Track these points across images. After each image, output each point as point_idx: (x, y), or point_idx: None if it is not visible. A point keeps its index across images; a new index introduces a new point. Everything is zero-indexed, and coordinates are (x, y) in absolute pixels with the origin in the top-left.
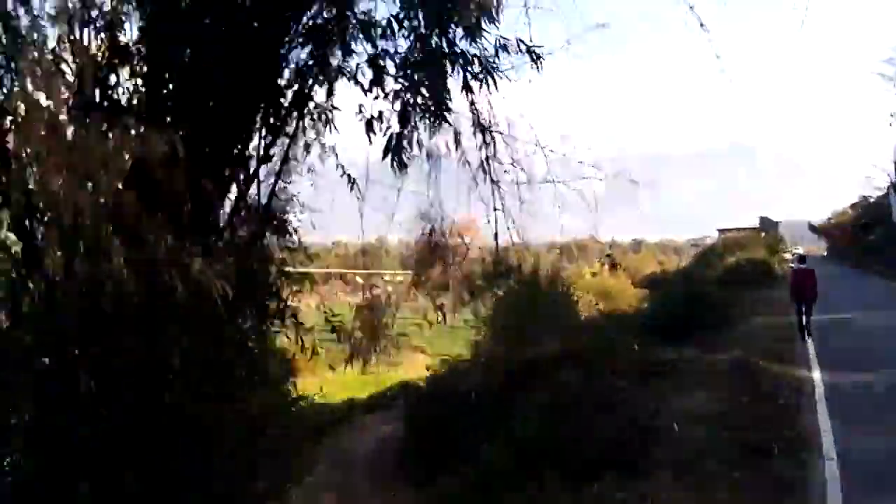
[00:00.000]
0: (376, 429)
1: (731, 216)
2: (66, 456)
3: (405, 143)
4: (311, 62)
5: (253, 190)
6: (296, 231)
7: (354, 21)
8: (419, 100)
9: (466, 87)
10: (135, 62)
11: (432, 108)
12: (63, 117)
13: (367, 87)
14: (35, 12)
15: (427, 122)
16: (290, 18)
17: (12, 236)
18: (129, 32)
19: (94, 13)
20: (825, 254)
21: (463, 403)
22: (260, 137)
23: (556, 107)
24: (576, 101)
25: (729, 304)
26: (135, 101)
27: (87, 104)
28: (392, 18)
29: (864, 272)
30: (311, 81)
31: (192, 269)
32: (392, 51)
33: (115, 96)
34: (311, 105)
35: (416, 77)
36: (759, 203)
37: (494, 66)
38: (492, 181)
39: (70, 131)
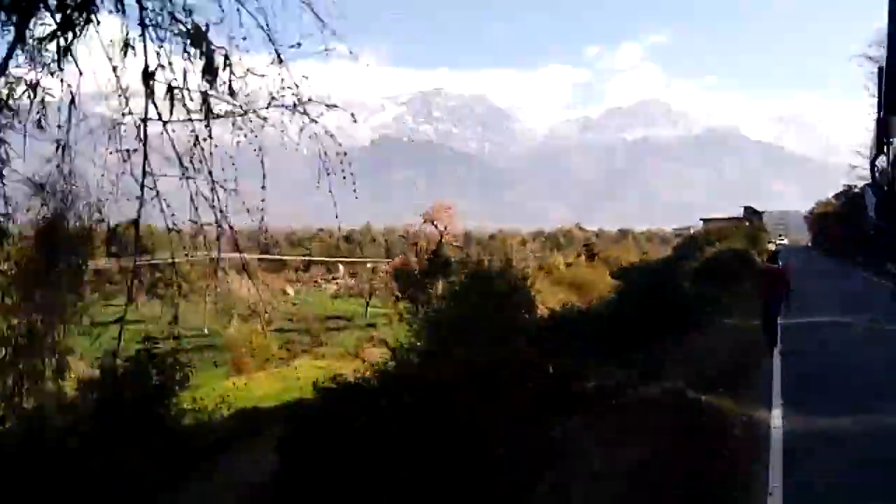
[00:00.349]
0: (270, 452)
1: (720, 206)
2: None
3: None
4: None
5: None
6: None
7: None
8: None
9: None
10: None
11: None
12: None
13: None
14: None
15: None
16: None
17: None
18: None
19: None
20: (809, 244)
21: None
22: None
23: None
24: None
25: (698, 302)
26: None
27: None
28: None
29: (845, 263)
30: None
31: None
32: None
33: None
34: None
35: None
36: (747, 192)
37: None
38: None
39: None
